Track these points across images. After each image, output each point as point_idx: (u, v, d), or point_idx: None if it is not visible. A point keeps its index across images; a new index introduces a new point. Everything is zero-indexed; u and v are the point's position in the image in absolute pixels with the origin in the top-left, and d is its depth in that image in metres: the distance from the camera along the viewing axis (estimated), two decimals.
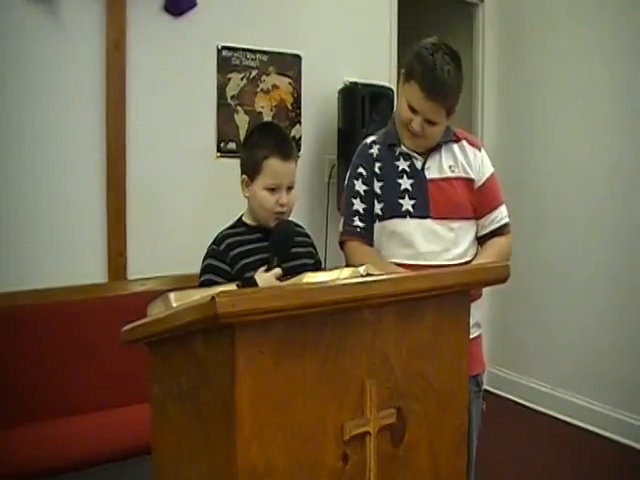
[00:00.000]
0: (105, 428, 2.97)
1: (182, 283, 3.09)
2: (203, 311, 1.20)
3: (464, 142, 2.37)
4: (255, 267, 2.04)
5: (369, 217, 2.33)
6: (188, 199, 3.76)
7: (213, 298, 1.15)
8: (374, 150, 2.37)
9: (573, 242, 4.36)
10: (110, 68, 3.48)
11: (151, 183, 3.64)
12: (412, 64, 2.20)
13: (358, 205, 2.34)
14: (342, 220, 2.41)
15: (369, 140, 2.43)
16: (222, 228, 2.17)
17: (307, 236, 2.28)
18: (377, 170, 2.33)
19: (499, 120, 4.97)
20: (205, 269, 2.11)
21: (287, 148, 2.12)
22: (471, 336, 2.30)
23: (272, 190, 2.08)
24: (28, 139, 3.30)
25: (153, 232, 3.65)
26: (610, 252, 4.13)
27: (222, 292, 1.17)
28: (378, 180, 2.33)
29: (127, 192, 3.55)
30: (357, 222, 2.34)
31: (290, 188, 2.12)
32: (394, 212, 2.28)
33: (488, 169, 2.38)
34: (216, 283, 2.01)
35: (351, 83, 4.17)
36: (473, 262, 2.29)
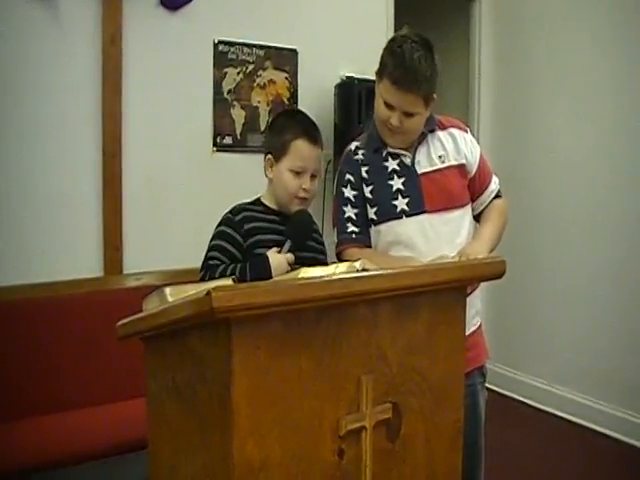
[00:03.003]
0: (101, 423, 2.97)
1: (178, 278, 3.08)
2: (199, 306, 1.19)
3: (451, 129, 2.34)
4: (268, 246, 2.03)
5: (363, 221, 2.28)
6: (184, 194, 3.76)
7: (209, 293, 1.14)
8: (359, 156, 2.32)
9: (572, 239, 4.35)
10: (106, 63, 3.47)
11: (147, 178, 3.63)
12: (382, 61, 2.18)
13: (350, 211, 2.29)
14: (335, 231, 2.34)
15: (353, 146, 2.37)
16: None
17: (320, 235, 2.28)
18: (364, 174, 2.28)
19: (495, 117, 4.96)
20: (217, 235, 2.09)
21: (315, 133, 2.14)
22: (474, 327, 2.32)
23: (297, 174, 2.08)
24: (24, 135, 3.30)
25: (149, 227, 3.65)
26: (610, 248, 4.11)
27: (218, 287, 1.16)
28: (367, 184, 2.27)
29: (123, 187, 3.55)
30: (351, 228, 2.28)
31: (314, 176, 2.12)
32: (389, 215, 2.24)
33: (477, 151, 2.37)
34: (226, 250, 2.02)
35: (347, 78, 4.16)
36: (473, 240, 2.28)
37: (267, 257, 1.98)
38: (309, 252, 2.12)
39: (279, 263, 1.97)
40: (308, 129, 2.12)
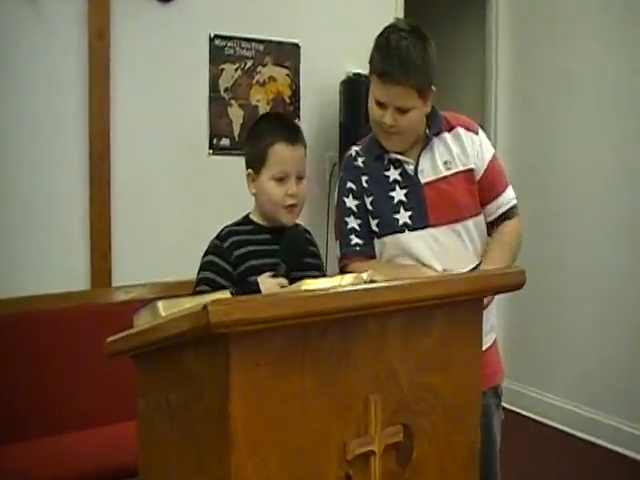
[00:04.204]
0: (87, 448, 2.96)
1: (171, 291, 3.09)
2: (194, 321, 1.19)
3: (458, 129, 2.30)
4: (261, 271, 2.02)
5: (367, 232, 2.27)
6: (178, 199, 3.77)
7: (205, 307, 1.14)
8: (359, 162, 2.30)
9: (595, 246, 4.34)
10: (93, 59, 3.48)
11: (138, 182, 3.64)
12: (370, 56, 2.18)
13: (353, 222, 2.27)
14: (338, 244, 2.33)
15: (353, 152, 2.35)
16: (226, 224, 2.16)
17: (316, 246, 2.27)
18: (365, 184, 2.26)
19: (513, 117, 4.96)
20: (205, 266, 2.09)
21: (293, 132, 2.12)
22: (489, 343, 2.30)
23: (280, 180, 2.06)
24: (4, 136, 3.31)
25: (140, 235, 3.65)
26: (638, 257, 4.11)
27: (215, 300, 1.16)
28: (367, 195, 2.26)
29: (112, 192, 3.56)
30: (355, 240, 2.26)
31: (300, 178, 2.10)
32: (391, 228, 2.23)
33: (488, 153, 2.31)
34: (215, 283, 2.01)
35: (354, 74, 4.17)
36: (482, 265, 2.26)
37: (257, 283, 1.97)
38: (306, 271, 2.09)
39: (270, 290, 1.93)
40: (284, 130, 2.10)
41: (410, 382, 1.50)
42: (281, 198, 2.06)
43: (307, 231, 2.24)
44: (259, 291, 1.94)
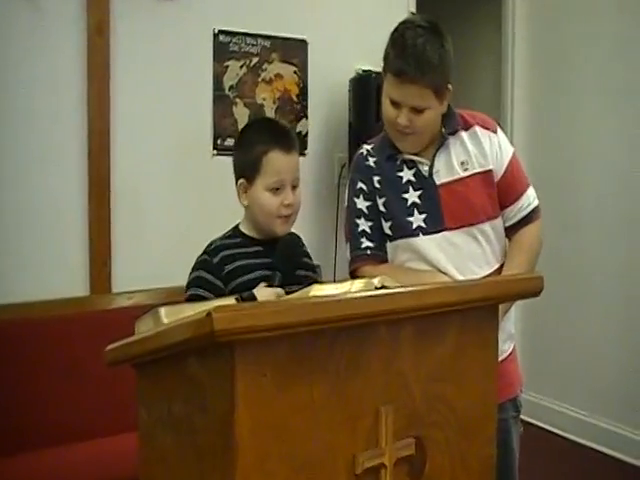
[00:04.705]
0: (85, 460, 2.97)
1: (174, 297, 3.08)
2: (198, 328, 1.19)
3: (476, 128, 2.29)
4: (254, 286, 1.99)
5: (379, 235, 2.26)
6: (181, 202, 3.78)
7: (209, 313, 1.14)
8: (370, 162, 2.30)
9: (618, 251, 4.33)
10: (92, 55, 3.49)
11: (139, 184, 3.65)
12: (385, 54, 2.17)
13: (364, 224, 2.26)
14: (348, 247, 2.32)
15: (364, 150, 2.34)
16: (214, 237, 2.14)
17: (310, 257, 2.25)
18: (377, 184, 2.26)
19: (531, 117, 4.96)
20: (193, 282, 2.06)
21: (287, 139, 2.09)
22: (507, 352, 2.30)
23: (275, 190, 2.04)
24: None
25: (141, 239, 3.66)
26: None
27: (219, 307, 1.16)
28: (380, 196, 2.25)
29: (112, 194, 3.56)
30: (366, 243, 2.25)
31: (295, 187, 2.08)
32: (404, 232, 2.22)
33: (507, 153, 2.30)
34: (204, 299, 1.97)
35: (364, 71, 4.17)
36: (504, 270, 2.25)
37: (253, 295, 1.95)
38: (299, 284, 2.04)
39: (268, 299, 1.91)
40: (278, 136, 2.08)
41: (423, 393, 1.50)
42: (277, 209, 2.04)
43: (299, 238, 2.22)
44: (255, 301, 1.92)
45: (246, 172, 2.08)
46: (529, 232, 2.32)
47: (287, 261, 2.05)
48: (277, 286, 1.97)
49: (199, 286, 2.04)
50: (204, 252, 2.10)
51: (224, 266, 2.05)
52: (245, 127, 2.30)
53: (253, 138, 2.10)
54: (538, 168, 4.45)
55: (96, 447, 3.10)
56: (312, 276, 2.18)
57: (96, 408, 3.24)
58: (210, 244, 2.12)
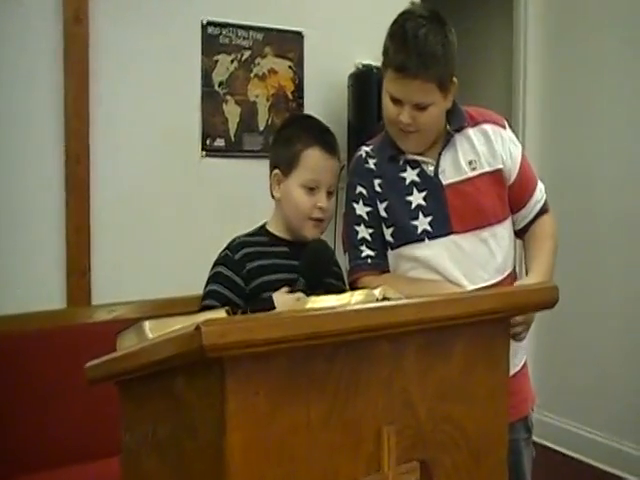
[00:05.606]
0: None
1: (159, 310, 3.10)
2: (185, 343, 1.20)
3: (484, 125, 2.30)
4: (277, 287, 2.02)
5: (380, 243, 2.26)
6: (167, 207, 3.76)
7: (198, 327, 1.14)
8: (370, 164, 2.30)
9: (635, 258, 4.34)
10: (69, 47, 3.47)
11: (121, 187, 3.64)
12: (384, 48, 2.18)
13: (364, 232, 2.26)
14: (347, 256, 2.32)
15: (363, 152, 2.35)
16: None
17: (340, 268, 2.28)
18: (378, 188, 2.26)
19: (544, 115, 4.97)
20: (213, 278, 2.09)
21: (331, 141, 2.16)
22: (518, 366, 2.30)
23: (310, 190, 2.09)
24: None
25: (123, 248, 3.65)
26: None
27: (209, 320, 1.17)
28: (381, 200, 2.25)
29: (91, 197, 3.55)
30: (366, 252, 2.25)
31: (330, 194, 2.13)
32: (409, 237, 2.22)
33: (518, 151, 2.33)
34: (224, 297, 2.01)
35: (364, 66, 4.18)
36: (530, 275, 2.26)
37: (272, 299, 1.97)
38: (326, 291, 2.03)
39: (286, 306, 1.92)
40: (321, 136, 2.14)
41: (428, 413, 1.50)
42: (309, 209, 2.09)
43: (329, 246, 2.25)
44: (273, 308, 1.94)
45: (282, 164, 2.14)
46: (548, 220, 2.38)
47: (314, 267, 2.07)
48: (299, 291, 1.99)
49: (218, 282, 2.07)
50: (226, 247, 2.14)
51: (246, 263, 2.08)
52: (287, 121, 2.40)
53: (296, 132, 2.17)
54: (551, 168, 4.46)
55: (76, 473, 3.09)
56: (340, 286, 2.21)
57: (76, 430, 3.22)
58: (233, 240, 2.15)
